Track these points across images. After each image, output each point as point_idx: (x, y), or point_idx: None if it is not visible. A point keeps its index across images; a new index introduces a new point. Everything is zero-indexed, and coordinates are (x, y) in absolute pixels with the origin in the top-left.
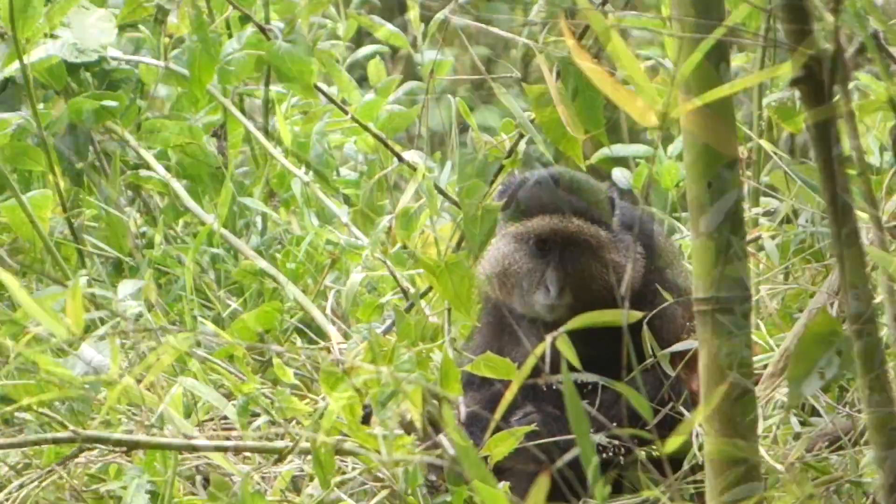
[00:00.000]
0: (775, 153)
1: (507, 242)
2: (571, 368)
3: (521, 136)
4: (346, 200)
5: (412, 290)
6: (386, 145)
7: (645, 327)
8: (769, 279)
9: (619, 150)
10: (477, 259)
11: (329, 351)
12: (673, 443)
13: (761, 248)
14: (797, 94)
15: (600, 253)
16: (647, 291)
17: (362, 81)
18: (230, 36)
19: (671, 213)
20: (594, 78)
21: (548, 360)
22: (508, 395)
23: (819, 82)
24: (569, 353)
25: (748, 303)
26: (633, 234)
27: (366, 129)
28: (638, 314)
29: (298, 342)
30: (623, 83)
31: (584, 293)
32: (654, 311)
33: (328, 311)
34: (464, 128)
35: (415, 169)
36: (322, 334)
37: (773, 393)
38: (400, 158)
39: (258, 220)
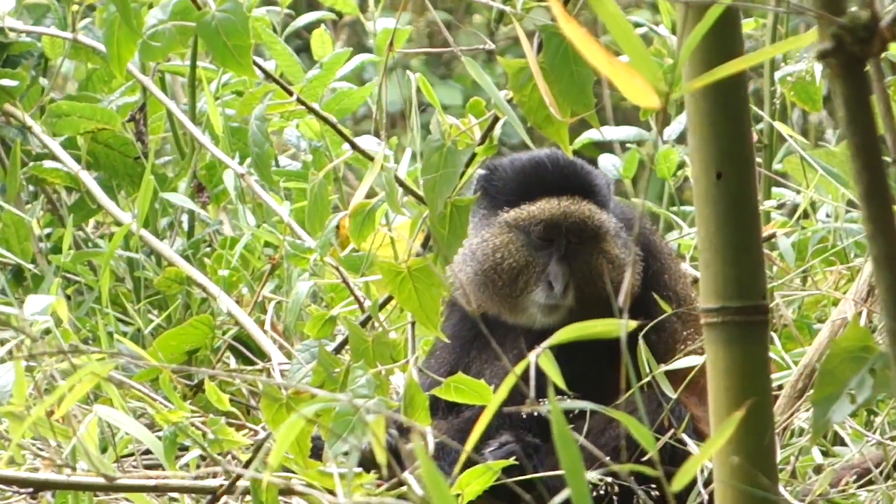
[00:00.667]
0: (791, 136)
1: (500, 232)
2: (559, 392)
3: (496, 118)
4: (288, 196)
5: (368, 301)
6: (336, 130)
7: (641, 341)
8: (784, 284)
9: (609, 133)
10: (446, 263)
11: (270, 373)
12: (680, 479)
13: (774, 248)
14: (816, 67)
15: (607, 246)
16: (645, 299)
17: (300, 53)
18: (151, 5)
19: (668, 206)
20: (584, 50)
21: (532, 380)
22: (482, 423)
23: (850, 55)
24: (554, 373)
25: (765, 313)
26: (630, 230)
27: (313, 111)
28: (635, 324)
29: (233, 363)
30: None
31: (587, 293)
32: (652, 323)
33: (268, 326)
34: (422, 108)
35: (370, 158)
36: (261, 354)
37: (791, 419)
38: (353, 145)
39: (184, 218)
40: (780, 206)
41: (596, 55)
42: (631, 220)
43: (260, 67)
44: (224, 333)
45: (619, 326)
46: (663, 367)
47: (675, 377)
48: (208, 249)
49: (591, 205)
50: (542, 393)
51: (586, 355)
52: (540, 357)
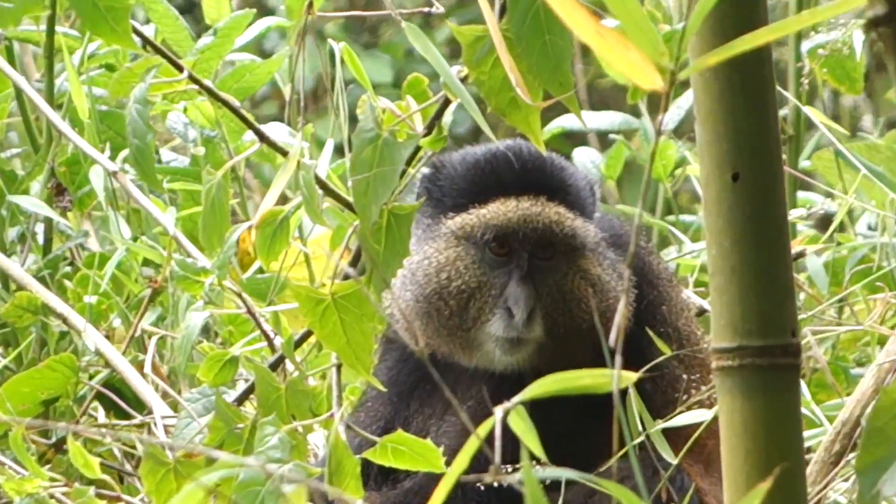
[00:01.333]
0: (824, 125)
1: (446, 245)
2: (531, 457)
3: (446, 102)
4: (174, 200)
5: (279, 338)
6: (238, 115)
7: (632, 391)
8: (814, 316)
9: (589, 121)
10: (382, 288)
11: (151, 429)
12: None
13: (801, 270)
14: (856, 37)
15: (585, 263)
16: (637, 337)
17: (184, 15)
18: None
19: (664, 215)
20: (563, 14)
21: (497, 442)
22: (436, 499)
23: None
24: (528, 435)
25: (795, 354)
26: (619, 248)
27: (208, 92)
28: (631, 376)
29: (103, 416)
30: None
31: (560, 323)
32: (646, 368)
33: (148, 367)
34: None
35: (282, 152)
36: (140, 404)
37: (826, 490)
38: (260, 135)
39: (38, 229)
40: (807, 216)
41: (578, 21)
42: (621, 235)
43: (141, 35)
44: (91, 378)
45: (610, 379)
46: (661, 425)
47: (676, 437)
48: (69, 269)
49: (561, 208)
50: (508, 457)
51: (564, 409)
52: (511, 416)
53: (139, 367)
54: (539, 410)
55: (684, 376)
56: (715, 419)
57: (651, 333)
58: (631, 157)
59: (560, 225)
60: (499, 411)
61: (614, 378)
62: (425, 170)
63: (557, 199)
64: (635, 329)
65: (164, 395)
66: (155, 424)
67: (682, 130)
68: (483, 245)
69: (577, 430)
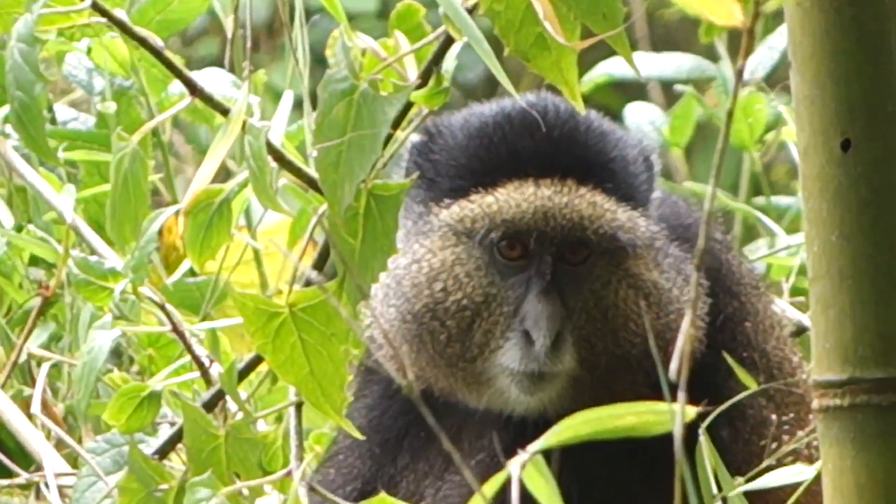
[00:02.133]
0: None
1: (441, 245)
2: None
3: (447, 41)
4: (73, 176)
5: (218, 366)
6: (161, 59)
7: (704, 439)
8: None
9: (645, 66)
10: (359, 298)
11: (41, 492)
12: None
13: None
14: None
15: (636, 265)
16: (711, 365)
17: None
18: None
19: (749, 198)
20: None
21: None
22: None
23: None
24: (547, 494)
25: None
26: (686, 242)
27: (119, 26)
28: (694, 412)
29: None
30: None
31: (599, 350)
32: (722, 408)
33: (36, 406)
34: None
35: (221, 110)
36: (26, 457)
37: None
38: (191, 86)
39: None
40: None
41: None
42: (689, 224)
43: None
44: None
45: (667, 416)
46: (743, 487)
47: (763, 501)
48: None
49: (598, 195)
50: None
51: (605, 461)
52: (525, 468)
53: (25, 405)
54: (572, 467)
55: (774, 417)
56: (817, 478)
57: (729, 360)
58: (705, 117)
59: (595, 221)
60: (514, 465)
61: (675, 415)
62: (416, 137)
63: (593, 183)
64: (708, 354)
65: (59, 445)
66: (46, 486)
67: (777, 78)
68: (490, 244)
69: (621, 492)
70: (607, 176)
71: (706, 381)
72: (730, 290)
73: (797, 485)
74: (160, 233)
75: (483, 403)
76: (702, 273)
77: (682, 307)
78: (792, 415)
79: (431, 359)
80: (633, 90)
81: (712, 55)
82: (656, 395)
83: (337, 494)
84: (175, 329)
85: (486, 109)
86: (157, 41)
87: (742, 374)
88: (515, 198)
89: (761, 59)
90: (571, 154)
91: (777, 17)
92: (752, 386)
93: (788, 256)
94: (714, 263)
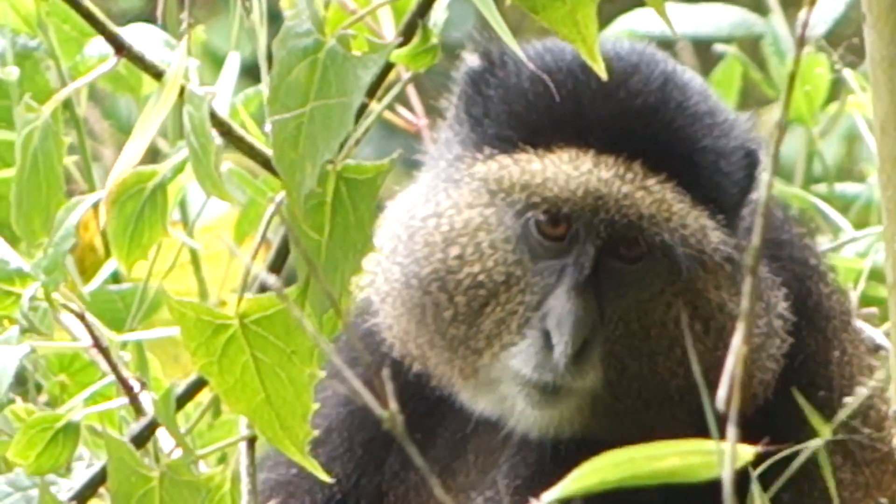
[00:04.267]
0: None
1: (467, 197)
2: None
3: None
4: None
5: (149, 393)
6: (80, 10)
7: (755, 489)
8: None
9: (683, 19)
10: (324, 308)
11: None
12: None
13: None
14: None
15: (696, 285)
16: (784, 411)
17: None
18: None
19: (806, 184)
20: None
21: None
22: None
23: None
24: None
25: None
26: (776, 260)
27: None
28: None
29: None
30: None
31: (633, 373)
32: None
33: None
34: None
35: (154, 74)
36: None
37: None
38: (117, 44)
39: None
40: None
41: None
42: (783, 242)
43: None
44: None
45: (714, 459)
46: None
47: None
48: None
49: (672, 190)
50: None
51: None
52: None
53: None
54: None
55: (849, 477)
56: None
57: (804, 404)
58: (752, 82)
59: (655, 224)
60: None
61: (725, 457)
62: (474, 62)
63: (667, 173)
64: (781, 398)
65: None
66: None
67: (840, 35)
68: (526, 216)
69: None
70: (687, 168)
71: (775, 428)
72: (816, 326)
73: None
74: (77, 229)
75: (485, 409)
76: (788, 304)
77: (755, 340)
78: (869, 474)
79: (431, 338)
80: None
81: (761, 8)
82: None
83: (303, 499)
84: (97, 344)
85: (568, 51)
86: None
87: (816, 422)
88: (567, 171)
89: (821, 12)
90: (649, 131)
91: None
92: (826, 434)
93: (857, 257)
94: (803, 293)
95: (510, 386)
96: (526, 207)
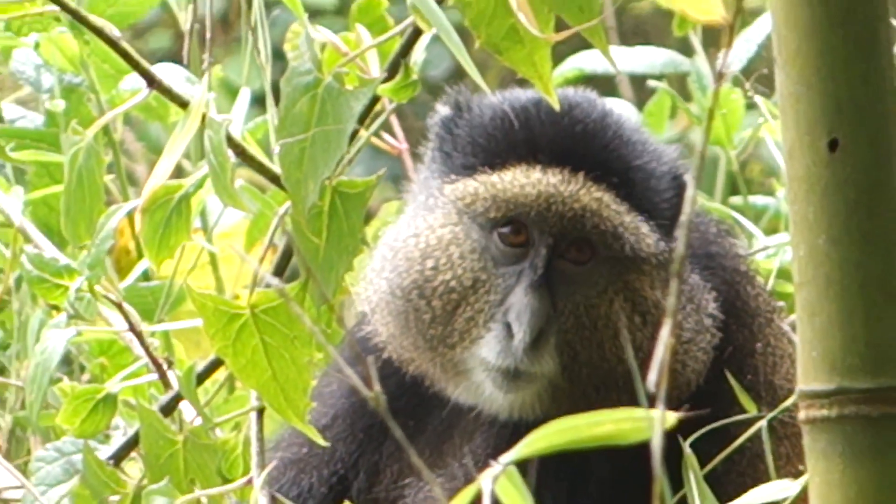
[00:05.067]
0: None
1: (440, 219)
2: None
3: (415, 34)
4: (21, 175)
5: (174, 371)
6: (118, 51)
7: (688, 452)
8: None
9: (622, 59)
10: (322, 301)
11: None
12: None
13: None
14: None
15: (639, 280)
16: (716, 394)
17: None
18: None
19: (725, 198)
20: None
21: None
22: None
23: None
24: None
25: None
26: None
27: (76, 16)
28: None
29: None
30: None
31: (582, 359)
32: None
33: None
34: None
35: (179, 103)
36: None
37: None
38: (149, 79)
39: None
40: None
41: None
42: (714, 254)
43: None
44: None
45: (645, 424)
46: None
47: None
48: None
49: (608, 193)
50: None
51: (586, 478)
52: (499, 479)
53: None
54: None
55: (773, 448)
56: (803, 493)
57: (734, 385)
58: (679, 111)
59: (597, 216)
60: (486, 479)
61: (653, 422)
62: (444, 110)
63: (606, 181)
64: (714, 383)
65: (9, 455)
66: None
67: (752, 69)
68: (490, 228)
69: None
70: (623, 183)
71: (709, 408)
72: (743, 322)
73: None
74: (113, 234)
75: (460, 395)
76: (718, 304)
77: (684, 334)
78: (789, 445)
79: (414, 340)
80: (603, 85)
81: (686, 49)
82: None
83: (308, 475)
84: (132, 329)
85: (522, 94)
86: (115, 31)
87: (745, 399)
88: (520, 180)
89: (736, 53)
90: (589, 150)
91: (753, 11)
92: (752, 410)
93: (767, 259)
94: (731, 295)
95: (479, 374)
96: (486, 215)
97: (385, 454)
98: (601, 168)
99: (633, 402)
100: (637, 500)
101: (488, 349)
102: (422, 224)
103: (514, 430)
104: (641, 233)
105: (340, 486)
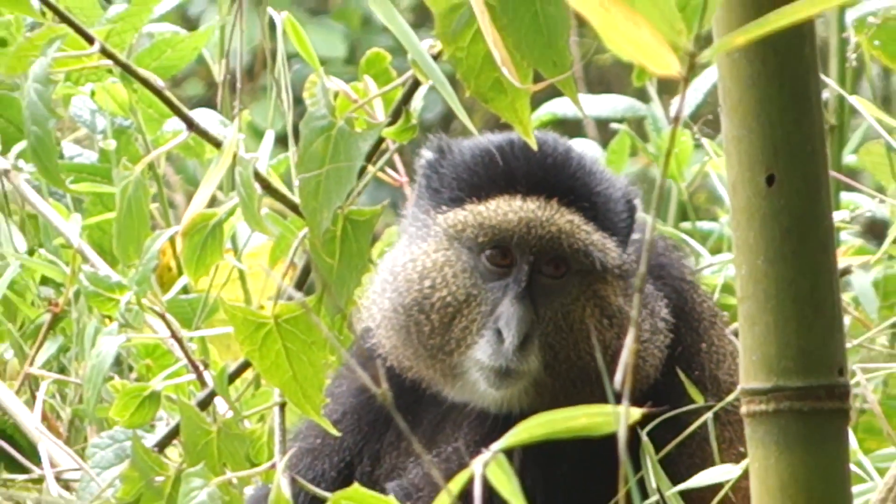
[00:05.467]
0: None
1: (436, 247)
2: None
3: (414, 85)
4: (79, 204)
5: (209, 372)
6: (163, 99)
7: (645, 440)
8: (862, 345)
9: (588, 106)
10: (336, 311)
11: (44, 487)
12: None
13: (845, 289)
14: None
15: (606, 289)
16: (669, 387)
17: None
18: None
19: (676, 222)
20: None
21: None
22: None
23: None
24: (509, 490)
25: (844, 397)
26: (659, 279)
27: (126, 70)
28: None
29: None
30: None
31: (562, 358)
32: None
33: (38, 411)
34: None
35: (215, 143)
36: (35, 455)
37: None
38: (189, 123)
39: None
40: (851, 220)
41: None
42: (665, 265)
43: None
44: None
45: (612, 419)
46: (679, 487)
47: (696, 500)
48: None
49: (578, 216)
50: None
51: (562, 463)
52: (489, 465)
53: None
54: (534, 466)
55: (717, 433)
56: (745, 476)
57: (683, 379)
58: (637, 150)
59: (571, 237)
60: (478, 464)
61: (619, 418)
62: (428, 154)
63: (576, 206)
64: (667, 378)
65: (69, 442)
66: (47, 479)
67: (700, 115)
68: (478, 250)
69: (578, 488)
70: (588, 206)
71: (662, 400)
72: (690, 325)
73: (720, 484)
74: (158, 254)
75: (456, 394)
76: (669, 309)
77: (642, 335)
78: (732, 431)
79: (416, 350)
80: (572, 127)
81: (643, 96)
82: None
83: (322, 461)
84: (174, 335)
85: (494, 137)
86: (159, 81)
87: (693, 392)
88: (503, 208)
89: (687, 100)
90: (559, 179)
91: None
92: (700, 401)
93: (712, 275)
94: (680, 301)
95: (474, 373)
96: (475, 240)
97: (385, 443)
98: (570, 194)
99: (603, 397)
100: (603, 479)
101: (482, 352)
102: (417, 250)
103: (498, 422)
104: (607, 248)
105: (348, 470)
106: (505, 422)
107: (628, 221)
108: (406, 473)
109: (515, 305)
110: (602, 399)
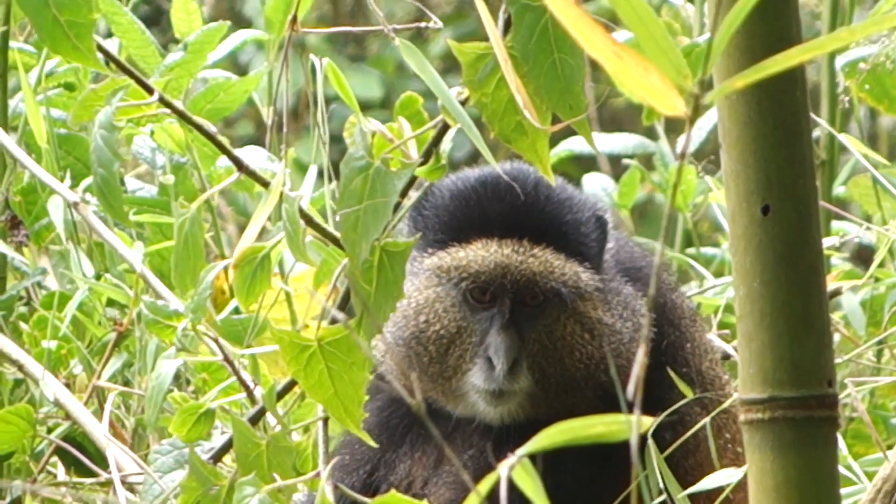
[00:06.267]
0: (857, 148)
1: (426, 285)
2: None
3: (444, 127)
4: (141, 234)
5: (258, 391)
6: (214, 141)
7: (651, 444)
8: (851, 360)
9: (601, 143)
10: (373, 333)
11: (111, 489)
12: None
13: (836, 308)
14: None
15: (582, 306)
16: (657, 381)
17: (148, 26)
18: None
19: (683, 248)
20: (574, 29)
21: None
22: None
23: None
24: (535, 493)
25: (833, 406)
26: (638, 283)
27: (180, 115)
28: (649, 422)
29: (62, 473)
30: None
31: (550, 373)
32: (665, 417)
33: (105, 420)
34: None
35: (262, 182)
36: (104, 460)
37: None
38: (238, 164)
39: None
40: (840, 246)
41: (592, 39)
42: (641, 267)
43: (105, 53)
44: (49, 431)
45: (624, 426)
46: (688, 490)
47: (698, 493)
48: (25, 310)
49: (549, 253)
50: None
51: (572, 463)
52: (515, 469)
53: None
54: (544, 465)
55: (714, 431)
56: (743, 480)
57: (672, 374)
58: (647, 184)
59: (545, 277)
60: (504, 468)
61: (632, 425)
62: (413, 195)
63: (546, 242)
64: (654, 372)
65: (133, 448)
66: (116, 484)
67: (703, 152)
68: (463, 290)
69: (587, 486)
70: (559, 237)
71: (652, 395)
72: (672, 322)
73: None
74: (213, 282)
75: (461, 412)
76: (651, 309)
77: (626, 335)
78: (719, 419)
79: (420, 375)
80: (587, 162)
81: (652, 134)
82: (605, 407)
83: (351, 476)
84: (225, 358)
85: (469, 175)
86: (210, 127)
87: (682, 386)
88: (482, 254)
89: (694, 139)
90: (530, 219)
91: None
92: (690, 395)
93: (715, 296)
94: (660, 300)
95: (472, 395)
96: (459, 283)
97: (400, 454)
98: (542, 231)
99: (592, 397)
100: (606, 479)
101: (476, 378)
102: (411, 288)
103: (503, 431)
104: (579, 277)
105: (370, 479)
106: (509, 431)
107: (600, 237)
108: (420, 481)
109: (502, 335)
110: (592, 400)
